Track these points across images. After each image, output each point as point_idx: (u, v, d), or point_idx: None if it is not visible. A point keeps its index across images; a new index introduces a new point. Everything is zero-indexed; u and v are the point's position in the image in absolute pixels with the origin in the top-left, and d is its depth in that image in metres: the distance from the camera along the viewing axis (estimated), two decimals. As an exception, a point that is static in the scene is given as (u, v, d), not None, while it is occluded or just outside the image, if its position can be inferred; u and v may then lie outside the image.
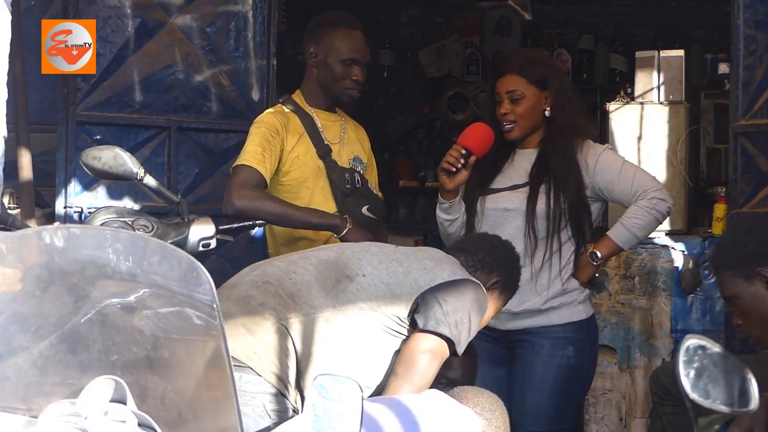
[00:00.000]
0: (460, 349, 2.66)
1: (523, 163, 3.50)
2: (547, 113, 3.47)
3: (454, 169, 3.38)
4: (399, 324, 2.64)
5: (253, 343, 2.53)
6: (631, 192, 3.41)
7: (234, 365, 2.49)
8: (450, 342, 2.62)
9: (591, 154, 3.45)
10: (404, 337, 2.64)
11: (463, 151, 3.37)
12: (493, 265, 2.89)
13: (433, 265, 2.70)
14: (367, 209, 3.47)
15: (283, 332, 2.54)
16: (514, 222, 3.42)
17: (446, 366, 2.73)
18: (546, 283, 3.41)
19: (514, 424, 3.38)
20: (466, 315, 2.65)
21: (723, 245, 3.08)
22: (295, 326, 2.55)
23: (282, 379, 2.53)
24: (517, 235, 3.39)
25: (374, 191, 3.57)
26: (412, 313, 2.65)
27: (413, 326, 2.65)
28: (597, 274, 3.55)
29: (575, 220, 3.43)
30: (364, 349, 2.61)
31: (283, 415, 2.50)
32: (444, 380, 2.79)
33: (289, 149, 3.41)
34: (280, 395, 2.52)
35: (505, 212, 3.44)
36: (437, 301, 2.63)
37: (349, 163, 3.52)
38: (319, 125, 3.49)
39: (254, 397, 2.50)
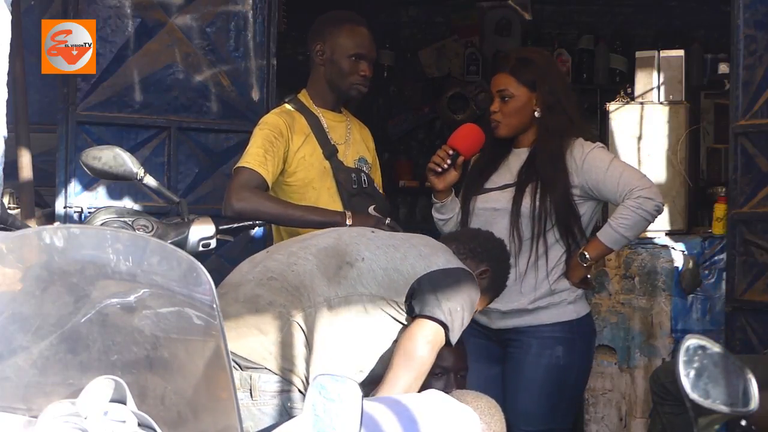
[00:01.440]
0: (454, 338, 2.67)
1: (515, 162, 3.52)
2: (536, 114, 3.48)
3: (439, 170, 3.41)
4: (397, 310, 2.66)
5: (266, 342, 2.55)
6: (617, 191, 3.39)
7: (251, 366, 2.52)
8: (445, 328, 2.63)
9: (579, 153, 3.44)
10: (402, 325, 2.66)
11: (450, 152, 3.41)
12: (484, 255, 2.92)
13: (428, 251, 2.72)
14: (374, 209, 3.47)
15: (295, 328, 2.56)
16: (502, 221, 3.43)
17: (438, 356, 2.74)
18: (533, 285, 3.41)
19: (509, 424, 3.40)
20: (459, 304, 2.66)
21: None
22: (304, 320, 2.57)
23: (298, 375, 2.55)
24: (504, 234, 3.39)
25: (379, 191, 3.58)
26: (409, 299, 2.66)
27: (410, 313, 2.67)
28: (588, 275, 3.55)
29: (563, 222, 3.43)
30: (366, 336, 2.63)
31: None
32: (438, 370, 2.81)
33: (294, 150, 3.41)
34: (298, 392, 2.54)
35: (493, 212, 3.46)
36: (432, 288, 2.65)
37: (355, 164, 3.53)
38: (325, 125, 3.49)
39: (274, 397, 2.53)
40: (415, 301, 2.65)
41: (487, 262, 2.91)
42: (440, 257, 2.71)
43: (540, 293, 3.41)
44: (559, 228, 3.42)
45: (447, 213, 3.50)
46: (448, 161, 3.41)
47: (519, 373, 3.43)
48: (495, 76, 3.52)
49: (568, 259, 3.45)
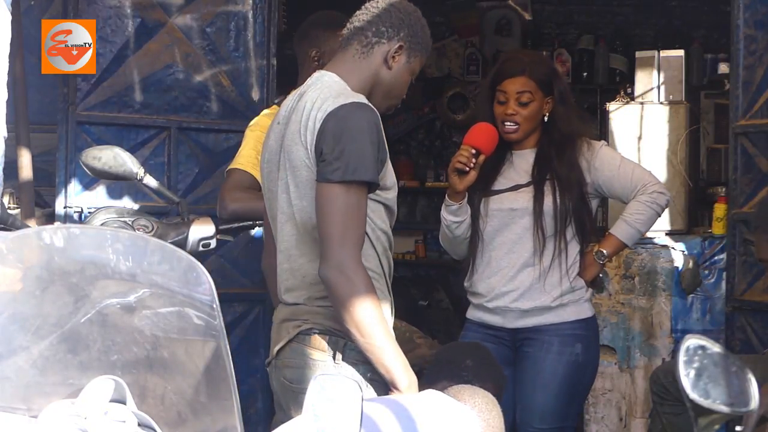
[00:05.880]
0: (369, 176, 2.47)
1: (522, 163, 3.51)
2: (545, 118, 3.48)
3: (467, 169, 3.38)
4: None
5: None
6: (631, 187, 3.45)
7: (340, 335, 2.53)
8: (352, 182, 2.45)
9: (589, 152, 3.48)
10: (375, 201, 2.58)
11: (473, 151, 3.38)
12: (392, 31, 2.68)
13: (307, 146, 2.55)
14: None
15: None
16: (521, 221, 3.44)
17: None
18: (556, 282, 3.43)
19: (518, 422, 3.41)
20: (351, 143, 2.47)
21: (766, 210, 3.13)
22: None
23: None
24: (525, 234, 3.42)
25: None
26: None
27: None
28: (600, 275, 3.58)
29: (578, 219, 3.46)
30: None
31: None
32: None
33: None
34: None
35: (511, 212, 3.46)
36: (322, 156, 2.50)
37: None
38: None
39: (354, 364, 2.54)
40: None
41: (397, 36, 2.67)
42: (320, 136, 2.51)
43: (562, 290, 3.43)
44: (576, 224, 3.45)
45: (462, 215, 3.49)
46: (474, 160, 3.39)
47: (538, 371, 3.43)
48: (511, 79, 3.45)
49: (582, 257, 3.47)
